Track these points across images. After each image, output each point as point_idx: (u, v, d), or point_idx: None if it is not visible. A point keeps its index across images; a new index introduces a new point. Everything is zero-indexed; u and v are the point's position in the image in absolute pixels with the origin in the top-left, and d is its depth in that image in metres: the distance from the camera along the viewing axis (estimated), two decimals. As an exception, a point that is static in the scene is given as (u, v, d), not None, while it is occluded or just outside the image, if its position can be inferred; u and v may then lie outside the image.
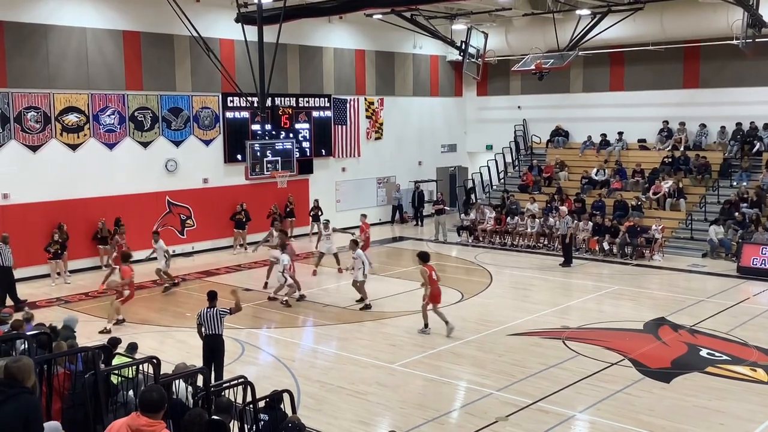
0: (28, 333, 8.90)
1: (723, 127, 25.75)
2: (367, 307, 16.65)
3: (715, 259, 21.57)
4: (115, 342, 9.93)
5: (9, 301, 16.68)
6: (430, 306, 14.58)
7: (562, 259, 21.66)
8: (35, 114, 19.98)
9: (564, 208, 22.99)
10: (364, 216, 21.56)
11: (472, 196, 29.08)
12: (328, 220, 21.36)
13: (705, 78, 26.20)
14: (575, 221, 22.81)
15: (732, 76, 25.40)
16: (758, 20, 20.62)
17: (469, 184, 30.20)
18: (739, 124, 25.38)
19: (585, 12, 22.62)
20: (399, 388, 11.88)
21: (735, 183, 24.07)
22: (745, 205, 22.53)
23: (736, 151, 25.03)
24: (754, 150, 24.76)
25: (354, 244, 17.45)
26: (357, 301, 17.06)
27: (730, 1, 19.41)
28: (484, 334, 14.71)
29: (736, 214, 22.14)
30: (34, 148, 20.03)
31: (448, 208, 27.87)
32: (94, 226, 20.73)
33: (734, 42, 21.66)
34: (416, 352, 13.61)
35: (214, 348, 11.51)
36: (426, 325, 14.66)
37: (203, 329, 11.54)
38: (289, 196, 25.14)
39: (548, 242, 23.78)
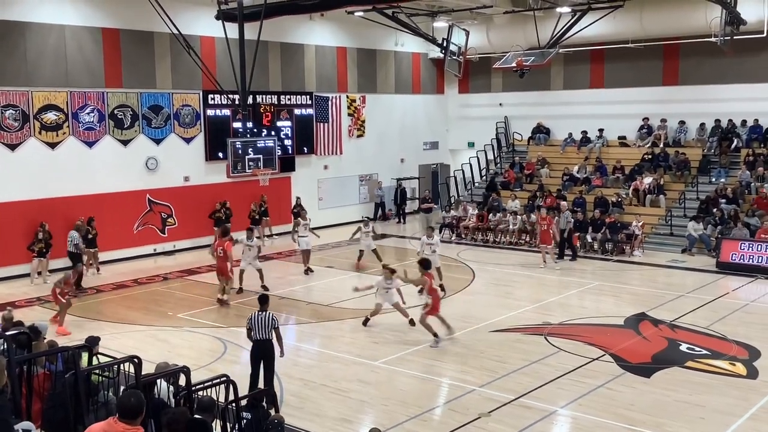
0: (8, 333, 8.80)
1: (702, 124, 25.99)
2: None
3: (694, 254, 21.77)
4: (93, 341, 9.83)
5: None
6: (432, 317, 13.94)
7: (569, 253, 21.76)
8: (13, 112, 19.76)
9: (565, 203, 22.88)
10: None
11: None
12: (368, 218, 21.41)
13: (684, 75, 26.41)
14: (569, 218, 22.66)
15: (711, 74, 25.62)
16: (736, 18, 20.82)
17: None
18: (717, 121, 25.63)
19: (565, 9, 22.71)
20: (382, 386, 11.89)
21: (714, 179, 24.31)
22: (723, 201, 22.75)
23: (715, 147, 25.27)
24: (733, 147, 25.01)
25: (430, 230, 18.46)
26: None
27: (709, -1, 19.59)
28: (467, 330, 14.75)
29: (715, 210, 22.36)
30: (12, 147, 19.81)
31: (436, 206, 27.84)
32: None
33: (713, 39, 21.85)
34: (399, 350, 13.62)
35: (266, 353, 11.16)
36: (435, 334, 13.85)
37: (253, 333, 11.16)
38: (262, 195, 24.96)
39: (530, 239, 23.87)
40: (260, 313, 11.24)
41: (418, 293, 15.32)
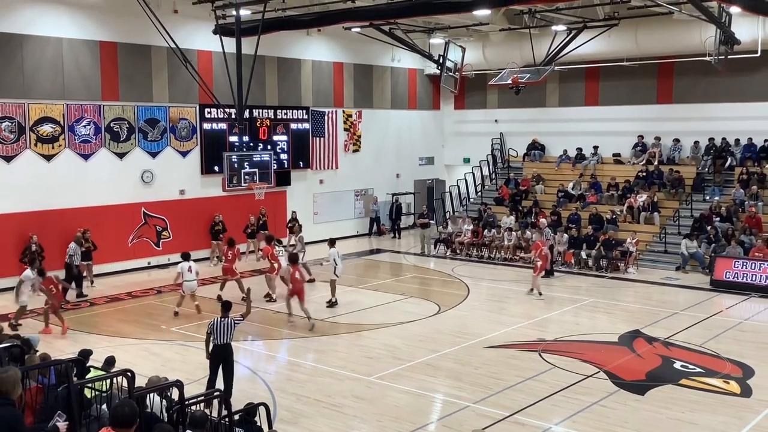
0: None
1: (696, 142, 26.12)
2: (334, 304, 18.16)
3: (688, 272, 21.82)
4: (86, 354, 9.80)
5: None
6: (292, 299, 16.33)
7: (562, 270, 21.98)
8: (9, 124, 19.77)
9: (544, 220, 23.10)
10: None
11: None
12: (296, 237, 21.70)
13: (678, 94, 26.59)
14: (554, 234, 22.94)
15: (705, 92, 25.80)
16: (730, 37, 20.96)
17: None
18: (711, 140, 25.76)
19: (561, 28, 22.89)
20: (376, 401, 11.86)
21: (708, 197, 24.41)
22: (717, 219, 22.83)
23: (709, 165, 25.39)
24: (726, 165, 25.14)
25: (332, 242, 18.70)
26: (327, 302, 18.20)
27: (704, 19, 19.72)
28: (461, 346, 14.75)
29: (709, 228, 22.43)
30: (7, 159, 19.80)
31: (433, 222, 27.89)
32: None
33: (707, 58, 22.00)
34: (393, 365, 13.60)
35: (225, 357, 11.51)
36: (290, 314, 16.47)
37: (212, 338, 11.48)
38: (261, 208, 24.96)
39: (524, 255, 23.88)
40: (222, 319, 11.53)
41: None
